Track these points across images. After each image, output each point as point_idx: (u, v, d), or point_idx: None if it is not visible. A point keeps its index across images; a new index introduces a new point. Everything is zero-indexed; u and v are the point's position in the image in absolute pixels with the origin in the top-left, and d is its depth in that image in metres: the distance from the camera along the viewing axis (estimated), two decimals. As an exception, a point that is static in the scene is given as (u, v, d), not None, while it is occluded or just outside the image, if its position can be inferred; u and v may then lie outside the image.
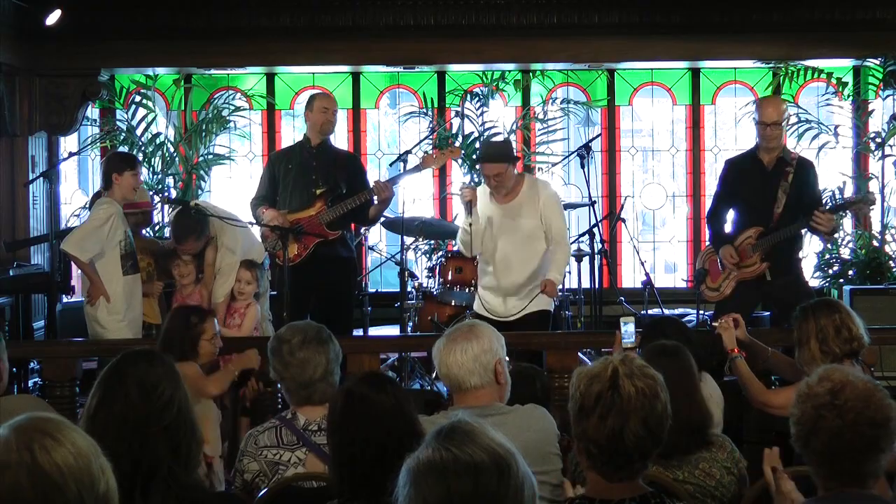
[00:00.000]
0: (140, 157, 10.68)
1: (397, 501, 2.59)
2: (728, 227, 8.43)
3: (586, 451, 3.37)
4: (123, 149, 11.30)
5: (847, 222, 11.40)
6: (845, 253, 11.34)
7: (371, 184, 8.64)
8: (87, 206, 10.04)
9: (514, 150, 8.15)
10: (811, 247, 10.45)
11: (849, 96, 11.79)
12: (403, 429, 3.67)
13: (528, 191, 7.84)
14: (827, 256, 11.23)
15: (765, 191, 8.13)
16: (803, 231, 8.09)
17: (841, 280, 11.08)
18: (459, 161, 11.25)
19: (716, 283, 8.43)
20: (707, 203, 11.88)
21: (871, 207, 8.48)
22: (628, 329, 5.82)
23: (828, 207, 8.15)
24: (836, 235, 8.56)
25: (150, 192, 10.48)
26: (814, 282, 10.99)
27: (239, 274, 7.86)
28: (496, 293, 7.93)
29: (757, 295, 8.32)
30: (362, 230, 10.27)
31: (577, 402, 3.39)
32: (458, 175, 11.91)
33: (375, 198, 8.47)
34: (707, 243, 8.80)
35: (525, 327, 7.67)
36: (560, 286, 8.03)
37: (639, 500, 3.35)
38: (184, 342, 6.25)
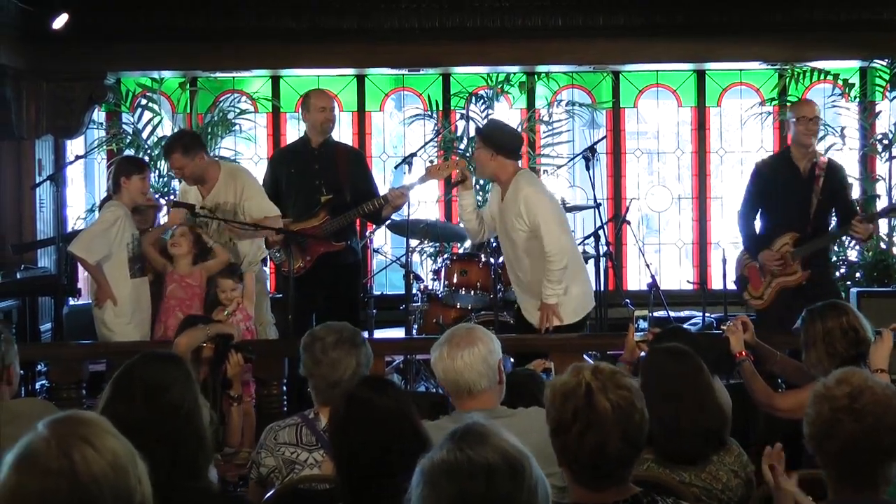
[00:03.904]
0: (146, 160, 10.67)
1: (410, 502, 2.60)
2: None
3: (568, 465, 3.35)
4: (129, 152, 11.33)
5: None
6: (852, 255, 11.33)
7: (384, 191, 8.63)
8: (98, 208, 10.05)
9: (499, 140, 7.69)
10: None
11: (855, 98, 11.79)
12: (406, 432, 3.67)
13: (511, 190, 7.56)
14: (834, 259, 11.20)
15: (800, 196, 8.16)
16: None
17: (848, 282, 11.07)
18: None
19: (758, 290, 8.37)
20: (712, 205, 11.93)
21: None
22: (641, 324, 5.83)
23: (863, 216, 8.13)
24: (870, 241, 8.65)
25: (156, 196, 10.50)
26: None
27: (222, 284, 7.73)
28: (520, 293, 7.86)
29: (799, 300, 8.25)
30: (367, 233, 10.27)
31: (553, 420, 3.33)
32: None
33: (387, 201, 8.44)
34: (741, 249, 8.68)
35: None
36: (555, 301, 7.45)
37: (631, 500, 3.33)
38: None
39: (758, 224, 8.45)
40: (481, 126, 7.80)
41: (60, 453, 2.30)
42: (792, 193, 8.21)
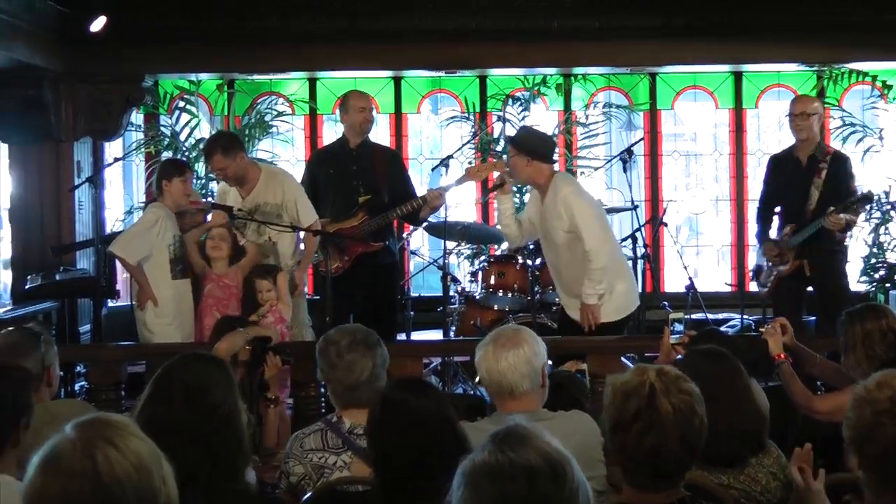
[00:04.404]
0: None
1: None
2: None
3: (622, 464, 3.35)
4: (167, 154, 11.38)
5: (893, 227, 11.30)
6: (892, 257, 11.25)
7: (422, 192, 8.65)
8: (142, 209, 10.12)
9: (532, 146, 7.76)
10: (856, 251, 10.39)
11: (894, 99, 11.71)
12: (445, 433, 3.67)
13: (550, 192, 7.63)
14: (873, 261, 11.15)
15: (798, 188, 8.48)
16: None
17: (887, 284, 11.00)
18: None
19: (764, 280, 8.74)
20: (750, 207, 11.89)
21: (870, 204, 8.67)
22: (677, 327, 5.81)
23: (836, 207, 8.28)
24: (849, 233, 8.88)
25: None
26: (859, 286, 10.91)
27: (259, 285, 7.78)
28: (563, 296, 7.90)
29: (799, 288, 8.62)
30: (404, 234, 10.28)
31: (612, 417, 3.34)
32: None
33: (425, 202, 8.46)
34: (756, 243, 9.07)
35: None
36: (598, 300, 7.51)
37: (677, 503, 3.32)
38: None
39: None
40: (513, 134, 7.86)
41: (84, 455, 2.32)
42: (791, 186, 8.57)
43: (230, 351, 6.25)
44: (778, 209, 8.77)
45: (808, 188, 8.38)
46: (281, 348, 6.51)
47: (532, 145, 7.73)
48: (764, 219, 8.85)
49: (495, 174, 8.20)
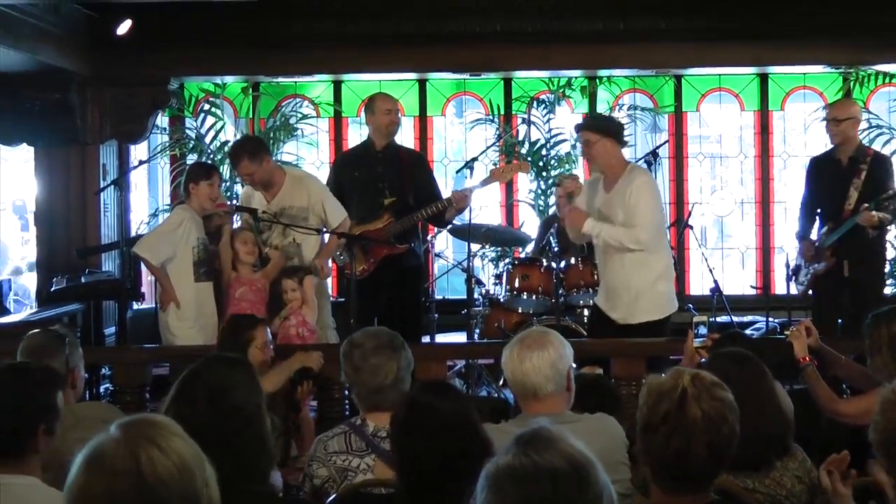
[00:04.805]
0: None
1: None
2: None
3: (650, 465, 3.33)
4: (192, 157, 11.41)
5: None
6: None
7: (448, 194, 8.64)
8: (168, 211, 10.15)
9: (616, 128, 7.71)
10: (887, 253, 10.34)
11: (921, 101, 11.68)
12: (468, 436, 3.66)
13: (623, 180, 7.44)
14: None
15: (838, 188, 8.51)
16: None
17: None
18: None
19: (802, 279, 8.84)
20: (775, 209, 11.87)
21: None
22: (701, 330, 5.80)
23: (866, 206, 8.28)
24: (888, 231, 8.91)
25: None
26: (889, 289, 10.83)
27: (284, 284, 7.81)
28: (605, 292, 7.72)
29: (836, 288, 8.59)
30: (429, 237, 10.28)
31: (643, 418, 3.32)
32: (525, 183, 11.89)
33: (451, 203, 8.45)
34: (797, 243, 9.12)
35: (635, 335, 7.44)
36: (591, 232, 7.44)
37: (705, 508, 3.31)
38: (233, 351, 6.21)
39: None
40: (588, 121, 7.75)
41: (127, 454, 2.32)
42: (830, 186, 8.63)
43: (276, 387, 6.23)
44: (819, 210, 8.80)
45: (846, 188, 8.43)
46: (317, 377, 6.49)
47: (613, 127, 7.71)
48: (805, 220, 8.91)
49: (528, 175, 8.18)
